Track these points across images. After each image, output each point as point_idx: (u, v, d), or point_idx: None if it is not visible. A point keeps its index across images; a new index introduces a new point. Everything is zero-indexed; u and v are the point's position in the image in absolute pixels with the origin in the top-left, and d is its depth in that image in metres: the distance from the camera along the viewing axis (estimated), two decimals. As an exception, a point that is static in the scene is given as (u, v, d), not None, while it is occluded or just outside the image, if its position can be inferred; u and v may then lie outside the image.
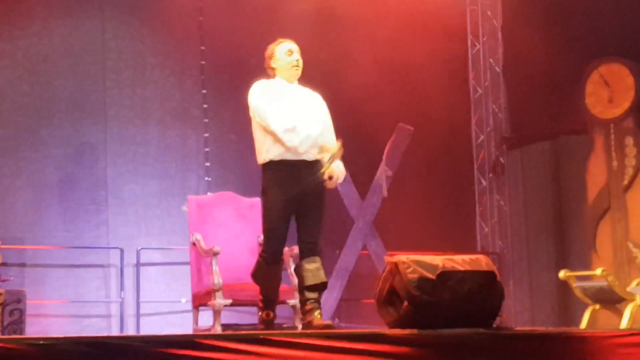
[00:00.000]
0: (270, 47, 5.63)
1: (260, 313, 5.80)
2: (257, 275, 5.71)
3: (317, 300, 5.53)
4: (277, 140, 5.43)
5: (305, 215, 5.50)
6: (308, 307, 5.50)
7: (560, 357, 4.60)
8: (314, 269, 5.48)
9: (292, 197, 5.46)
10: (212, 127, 9.21)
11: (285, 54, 5.56)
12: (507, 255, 10.53)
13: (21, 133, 8.67)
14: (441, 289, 4.64)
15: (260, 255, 5.67)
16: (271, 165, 5.49)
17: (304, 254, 5.54)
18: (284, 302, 6.24)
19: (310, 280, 5.50)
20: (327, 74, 8.70)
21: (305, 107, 5.54)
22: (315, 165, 5.51)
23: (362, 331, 4.58)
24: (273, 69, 5.61)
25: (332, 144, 5.56)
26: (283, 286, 5.99)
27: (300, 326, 6.06)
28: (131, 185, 8.95)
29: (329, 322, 5.51)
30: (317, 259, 5.51)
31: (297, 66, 5.56)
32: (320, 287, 5.55)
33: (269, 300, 5.73)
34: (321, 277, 5.51)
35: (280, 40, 5.63)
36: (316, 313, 5.46)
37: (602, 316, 7.73)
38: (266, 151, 5.48)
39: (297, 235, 5.57)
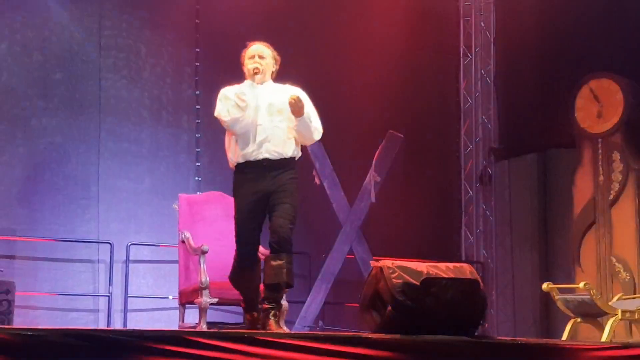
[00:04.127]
0: (243, 51, 5.76)
1: (245, 315, 5.86)
2: (234, 278, 5.76)
3: (276, 300, 5.51)
4: (239, 141, 5.53)
5: (273, 209, 5.49)
6: (265, 306, 5.51)
7: (540, 366, 4.68)
8: (276, 266, 5.43)
9: (259, 197, 5.52)
10: (204, 128, 9.27)
11: (247, 59, 5.69)
12: (491, 265, 10.60)
13: (15, 125, 8.67)
14: (425, 295, 4.71)
15: (234, 259, 5.72)
16: (238, 168, 5.63)
17: (272, 250, 5.50)
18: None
19: (269, 279, 5.49)
20: (319, 79, 8.76)
21: (267, 104, 5.59)
22: (280, 163, 5.54)
23: (346, 334, 4.65)
24: (244, 72, 5.74)
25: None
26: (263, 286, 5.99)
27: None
28: (123, 182, 8.98)
29: (281, 330, 5.49)
30: (284, 256, 5.43)
31: (257, 70, 5.63)
32: (277, 287, 5.50)
33: (251, 301, 5.76)
34: (282, 276, 5.43)
35: (249, 43, 5.75)
36: (271, 316, 5.44)
37: (584, 329, 7.77)
38: (232, 155, 5.63)
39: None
